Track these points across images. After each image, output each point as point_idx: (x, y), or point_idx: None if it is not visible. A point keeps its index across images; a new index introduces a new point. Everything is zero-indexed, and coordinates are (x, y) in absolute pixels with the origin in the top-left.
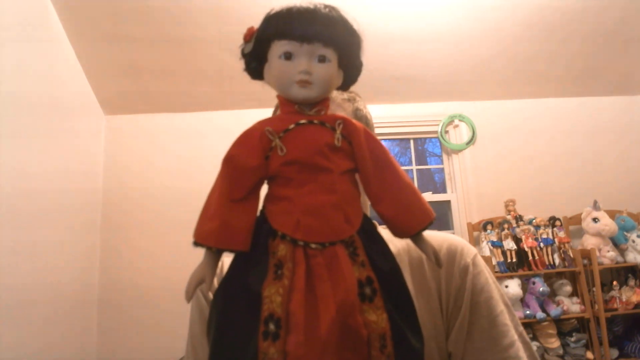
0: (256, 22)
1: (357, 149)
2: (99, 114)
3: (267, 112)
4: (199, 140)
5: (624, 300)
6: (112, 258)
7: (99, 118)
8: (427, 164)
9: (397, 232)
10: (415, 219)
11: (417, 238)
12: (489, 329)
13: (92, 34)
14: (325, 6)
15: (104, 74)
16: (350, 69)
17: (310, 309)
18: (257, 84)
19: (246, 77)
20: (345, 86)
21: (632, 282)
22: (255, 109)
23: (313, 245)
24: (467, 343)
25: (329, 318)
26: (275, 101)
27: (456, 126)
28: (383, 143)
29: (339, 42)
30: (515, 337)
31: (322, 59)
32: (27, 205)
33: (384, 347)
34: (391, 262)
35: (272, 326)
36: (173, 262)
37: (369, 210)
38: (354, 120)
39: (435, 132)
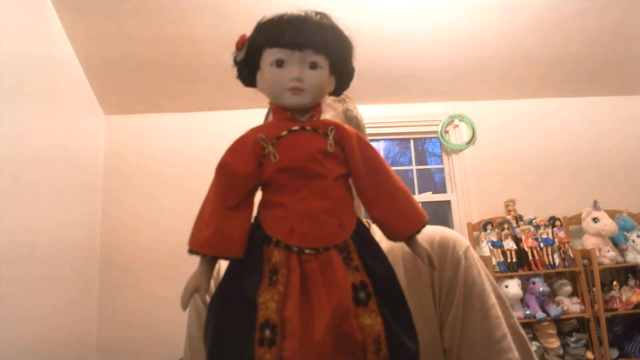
0: (257, 22)
1: (350, 154)
2: (99, 114)
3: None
4: (199, 140)
5: (624, 300)
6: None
7: (99, 118)
8: (427, 164)
9: (391, 236)
10: (409, 223)
11: (410, 242)
12: (482, 322)
13: (92, 33)
14: (317, 13)
15: (104, 74)
16: (342, 74)
17: (306, 314)
18: None
19: None
20: (337, 92)
21: (632, 282)
22: (255, 109)
23: (307, 251)
24: (462, 337)
25: (324, 323)
26: None
27: (456, 126)
28: (382, 143)
29: (330, 49)
30: (507, 329)
31: (314, 66)
32: (26, 205)
33: (379, 350)
34: (385, 265)
35: (267, 332)
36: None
37: (362, 214)
38: (346, 126)
39: (435, 132)
